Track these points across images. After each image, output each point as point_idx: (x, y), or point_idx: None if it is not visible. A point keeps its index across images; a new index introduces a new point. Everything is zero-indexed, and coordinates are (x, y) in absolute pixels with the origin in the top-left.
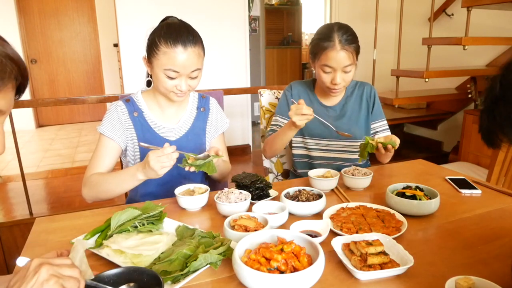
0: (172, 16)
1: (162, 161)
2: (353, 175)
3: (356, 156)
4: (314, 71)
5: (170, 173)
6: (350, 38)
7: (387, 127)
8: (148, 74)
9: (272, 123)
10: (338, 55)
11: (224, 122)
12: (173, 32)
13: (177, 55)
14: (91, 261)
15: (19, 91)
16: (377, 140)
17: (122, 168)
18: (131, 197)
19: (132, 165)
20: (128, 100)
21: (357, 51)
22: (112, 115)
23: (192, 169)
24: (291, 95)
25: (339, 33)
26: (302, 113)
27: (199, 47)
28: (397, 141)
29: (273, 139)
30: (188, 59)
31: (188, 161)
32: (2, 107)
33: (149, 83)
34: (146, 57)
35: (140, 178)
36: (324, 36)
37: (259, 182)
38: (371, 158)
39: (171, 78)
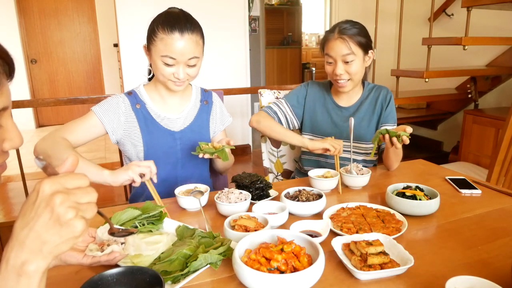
0: (174, 7)
1: (141, 170)
2: (351, 172)
3: (363, 157)
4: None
5: (174, 173)
6: (353, 29)
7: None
8: (150, 63)
9: (276, 102)
10: (334, 43)
11: (227, 116)
12: (171, 19)
13: (174, 42)
14: None
15: (10, 75)
16: (385, 129)
17: (121, 162)
18: (133, 199)
19: (134, 157)
20: (130, 93)
21: (360, 42)
22: (112, 102)
23: (207, 155)
24: (306, 92)
25: (342, 25)
26: (337, 147)
27: (197, 35)
28: (407, 128)
29: (274, 127)
30: (185, 46)
31: (202, 149)
32: (5, 103)
33: (150, 72)
34: (146, 46)
35: (106, 178)
36: (330, 28)
37: (259, 182)
38: (378, 159)
39: (169, 66)
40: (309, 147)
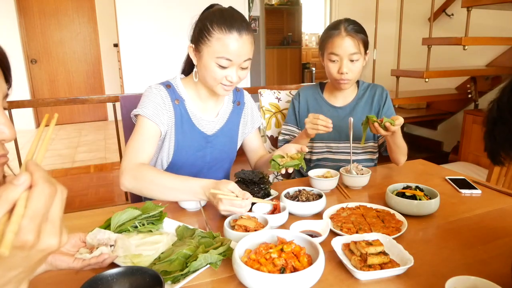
0: (217, 4)
1: (232, 211)
2: (351, 172)
3: (364, 156)
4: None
5: (198, 176)
6: (357, 28)
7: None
8: (189, 60)
9: (282, 131)
10: (343, 41)
11: (258, 117)
12: (228, 17)
13: (232, 42)
14: None
15: (6, 79)
16: (372, 117)
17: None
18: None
19: (162, 154)
20: (169, 86)
21: (364, 42)
22: (156, 98)
23: (290, 170)
24: (298, 103)
25: (345, 23)
26: (316, 122)
27: (252, 35)
28: (398, 119)
29: None
30: (242, 47)
31: (281, 164)
32: None
33: (193, 72)
34: (193, 46)
35: (203, 199)
36: (332, 26)
37: (265, 180)
38: (380, 159)
39: (222, 68)
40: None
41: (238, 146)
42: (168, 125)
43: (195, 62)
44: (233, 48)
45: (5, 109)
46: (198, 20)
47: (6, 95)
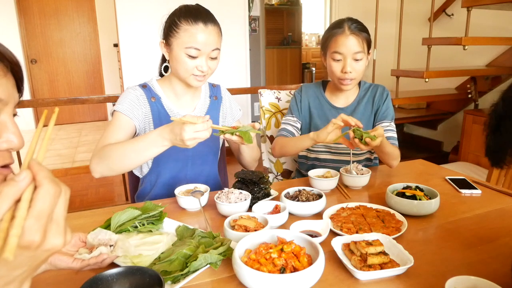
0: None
1: (197, 136)
2: (351, 172)
3: (364, 157)
4: (325, 66)
5: (184, 171)
6: (360, 26)
7: (392, 128)
8: (164, 60)
9: (283, 122)
10: (348, 40)
11: (237, 110)
12: (193, 11)
13: (199, 32)
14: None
15: (19, 88)
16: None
17: None
18: (140, 196)
19: None
20: (145, 86)
21: (367, 41)
22: (131, 96)
23: (228, 135)
24: (300, 97)
25: (349, 22)
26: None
27: (218, 27)
28: (378, 133)
29: (286, 142)
30: (209, 37)
31: (224, 131)
32: (0, 94)
33: (166, 69)
34: (164, 41)
35: (167, 144)
36: (335, 25)
37: (265, 180)
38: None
39: (192, 58)
40: (320, 141)
41: (221, 139)
42: (145, 122)
43: (167, 56)
44: (200, 38)
45: (14, 115)
46: (167, 18)
47: (17, 103)
